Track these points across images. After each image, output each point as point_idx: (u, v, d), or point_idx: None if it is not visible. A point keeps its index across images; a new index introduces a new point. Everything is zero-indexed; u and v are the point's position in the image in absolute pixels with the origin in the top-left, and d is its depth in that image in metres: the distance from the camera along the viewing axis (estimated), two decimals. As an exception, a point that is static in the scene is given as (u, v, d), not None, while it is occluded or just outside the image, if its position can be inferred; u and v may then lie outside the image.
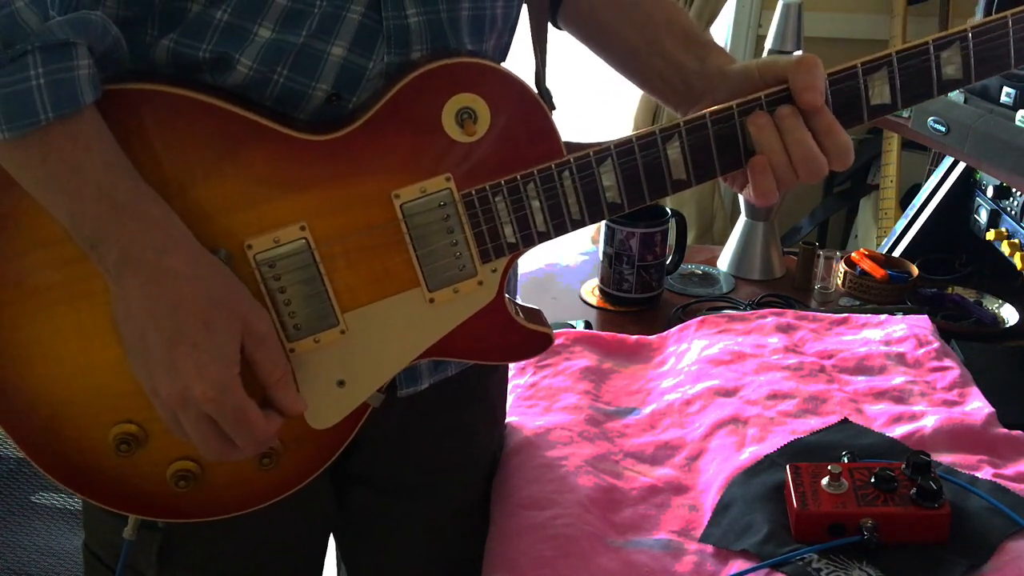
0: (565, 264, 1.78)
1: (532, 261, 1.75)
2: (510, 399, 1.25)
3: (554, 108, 0.88)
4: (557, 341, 1.35)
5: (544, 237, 0.84)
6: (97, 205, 0.71)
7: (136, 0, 0.76)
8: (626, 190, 0.82)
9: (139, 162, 0.74)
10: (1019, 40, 0.80)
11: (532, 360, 1.32)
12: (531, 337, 0.89)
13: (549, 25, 0.94)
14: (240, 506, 0.88)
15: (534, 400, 1.23)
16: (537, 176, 0.81)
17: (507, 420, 1.19)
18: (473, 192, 0.81)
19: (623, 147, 0.81)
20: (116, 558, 0.94)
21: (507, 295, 0.87)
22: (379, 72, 0.80)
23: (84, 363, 0.80)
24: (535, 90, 0.82)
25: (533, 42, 0.90)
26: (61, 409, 0.81)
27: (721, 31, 2.87)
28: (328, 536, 1.08)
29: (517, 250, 0.84)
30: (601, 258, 1.61)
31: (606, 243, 1.59)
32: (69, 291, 0.78)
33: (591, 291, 1.66)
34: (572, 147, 0.83)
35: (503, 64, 0.82)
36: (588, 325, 1.48)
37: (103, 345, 0.79)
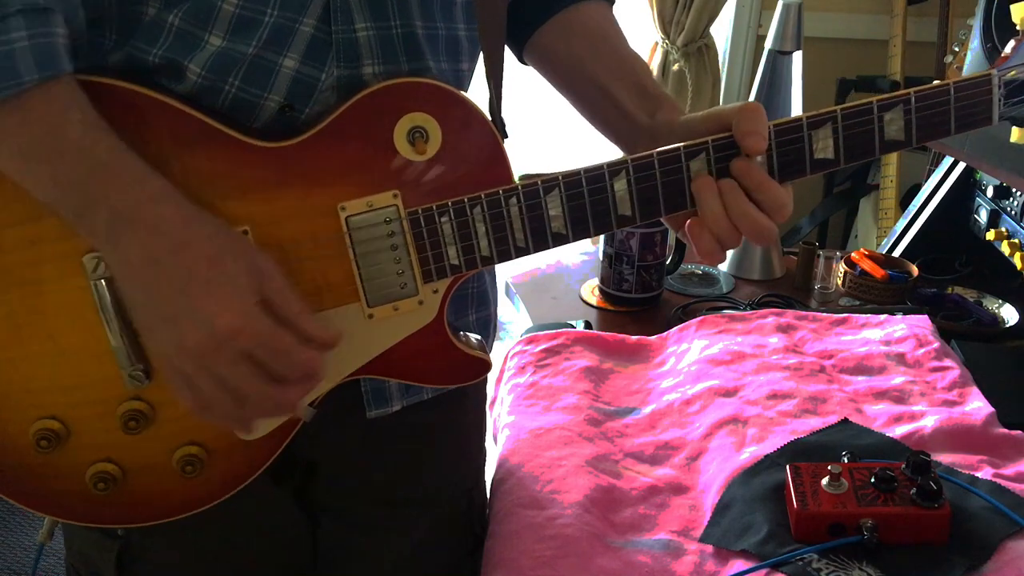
0: (565, 264, 1.78)
1: (532, 261, 1.75)
2: (510, 399, 1.25)
3: (506, 136, 0.88)
4: (557, 341, 1.35)
5: (488, 262, 0.83)
6: (79, 166, 0.70)
7: (93, 5, 0.76)
8: (571, 221, 0.82)
9: None
10: (960, 108, 0.81)
11: (532, 360, 1.32)
12: (468, 362, 0.88)
13: (506, 54, 0.94)
14: (162, 514, 0.86)
15: (534, 400, 1.23)
16: (484, 200, 0.81)
17: (507, 420, 1.19)
18: (419, 211, 0.80)
19: (570, 179, 0.81)
20: (89, 570, 0.94)
21: (451, 322, 0.86)
22: (331, 85, 0.81)
23: (9, 356, 0.79)
24: (488, 116, 0.82)
25: (486, 70, 0.91)
26: None
27: (721, 31, 2.87)
28: (306, 564, 1.04)
29: (460, 272, 0.83)
30: (601, 258, 1.61)
31: (606, 243, 1.59)
32: None
33: (591, 291, 1.66)
34: (531, 178, 0.82)
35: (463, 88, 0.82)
36: (588, 325, 1.48)
37: (29, 337, 0.78)
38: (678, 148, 0.81)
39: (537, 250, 0.83)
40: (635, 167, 0.81)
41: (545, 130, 2.93)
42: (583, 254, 1.82)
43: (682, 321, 1.44)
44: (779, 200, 0.80)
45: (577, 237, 0.83)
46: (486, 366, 0.90)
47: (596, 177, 0.81)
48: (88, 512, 0.86)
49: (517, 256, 0.83)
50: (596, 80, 0.96)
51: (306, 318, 0.75)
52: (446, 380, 0.91)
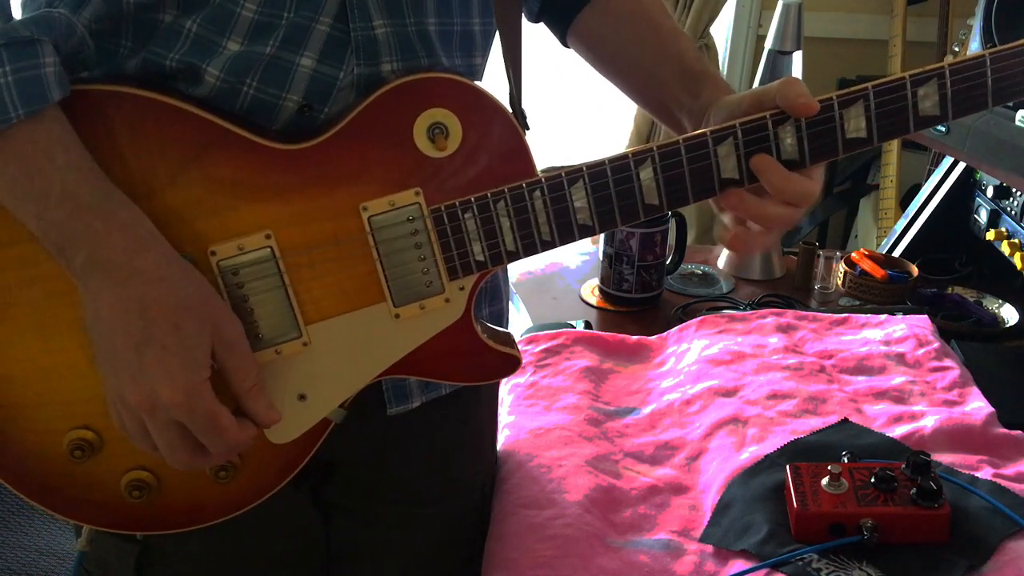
0: (565, 264, 1.78)
1: (532, 261, 1.75)
2: (510, 399, 1.25)
3: (528, 128, 0.87)
4: (557, 341, 1.35)
5: (513, 256, 0.82)
6: (61, 207, 0.70)
7: (107, 15, 0.76)
8: (597, 213, 0.81)
9: (106, 164, 0.73)
10: (997, 79, 0.78)
11: (532, 360, 1.32)
12: (497, 359, 0.87)
13: (523, 45, 0.93)
14: (195, 520, 0.86)
15: (534, 400, 1.23)
16: (507, 194, 0.80)
17: (507, 420, 1.19)
18: (442, 208, 0.80)
19: (595, 169, 0.80)
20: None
21: (476, 318, 0.85)
22: (350, 83, 0.80)
23: (42, 366, 0.79)
24: (509, 109, 0.81)
25: (505, 62, 0.90)
26: (15, 412, 0.80)
27: (721, 31, 2.87)
28: (319, 563, 1.05)
29: (486, 268, 0.82)
30: (601, 258, 1.61)
31: (606, 243, 1.59)
32: (28, 293, 0.77)
33: (591, 291, 1.66)
34: (554, 171, 0.82)
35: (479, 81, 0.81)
36: (588, 325, 1.48)
37: (62, 348, 0.78)
38: (704, 133, 0.80)
39: (563, 243, 0.82)
40: (661, 155, 0.80)
41: (567, 121, 2.93)
42: (583, 254, 1.82)
43: (682, 321, 1.44)
44: (801, 190, 0.80)
45: (604, 228, 0.82)
46: (516, 362, 0.89)
47: (621, 167, 0.80)
48: (124, 520, 0.86)
49: (543, 250, 0.83)
50: (641, 62, 0.95)
51: (255, 395, 0.77)
52: (475, 377, 0.90)
